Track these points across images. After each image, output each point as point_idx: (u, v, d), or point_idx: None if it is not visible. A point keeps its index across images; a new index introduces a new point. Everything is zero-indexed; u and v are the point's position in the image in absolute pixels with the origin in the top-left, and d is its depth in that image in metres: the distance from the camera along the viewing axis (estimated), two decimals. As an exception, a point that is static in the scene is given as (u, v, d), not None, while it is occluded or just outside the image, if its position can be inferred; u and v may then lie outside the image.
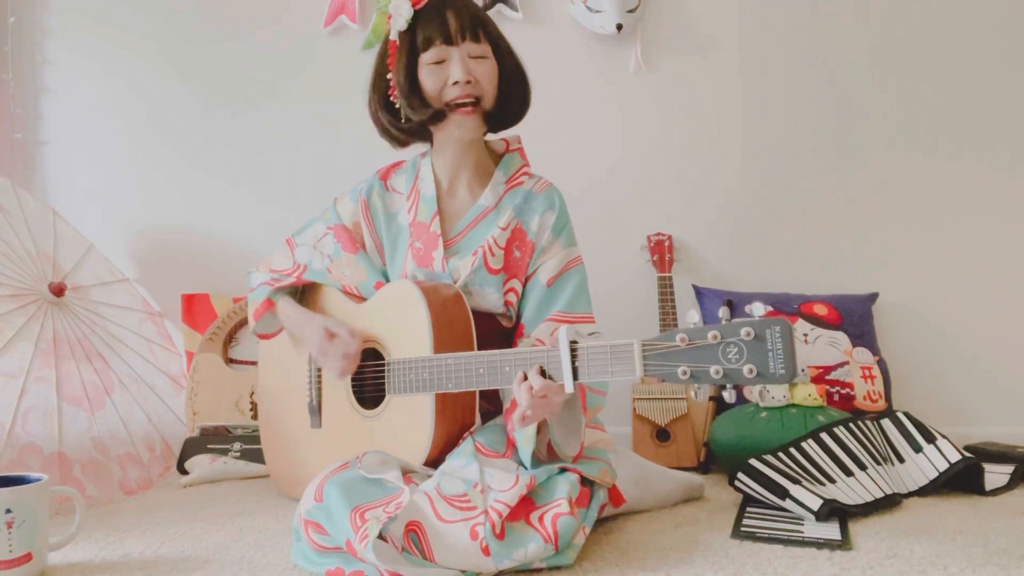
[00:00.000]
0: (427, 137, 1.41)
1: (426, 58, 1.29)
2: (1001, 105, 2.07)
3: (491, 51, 1.32)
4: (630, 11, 2.09)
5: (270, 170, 2.23)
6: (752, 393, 1.74)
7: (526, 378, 1.09)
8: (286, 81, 2.23)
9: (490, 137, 1.43)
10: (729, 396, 0.98)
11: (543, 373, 1.08)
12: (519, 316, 1.36)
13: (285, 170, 2.23)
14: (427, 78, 1.30)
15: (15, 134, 2.23)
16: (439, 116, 1.32)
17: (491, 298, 1.34)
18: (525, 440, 1.14)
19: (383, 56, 1.36)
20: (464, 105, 1.30)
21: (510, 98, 1.35)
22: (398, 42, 1.31)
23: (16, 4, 2.24)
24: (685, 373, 0.97)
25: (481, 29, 1.30)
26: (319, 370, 1.43)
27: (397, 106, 1.34)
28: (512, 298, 1.35)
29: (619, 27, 2.09)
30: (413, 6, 1.30)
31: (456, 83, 1.28)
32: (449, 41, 1.28)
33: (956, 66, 2.09)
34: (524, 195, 1.38)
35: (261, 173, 2.23)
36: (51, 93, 2.27)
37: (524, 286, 1.36)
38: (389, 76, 1.33)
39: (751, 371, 0.93)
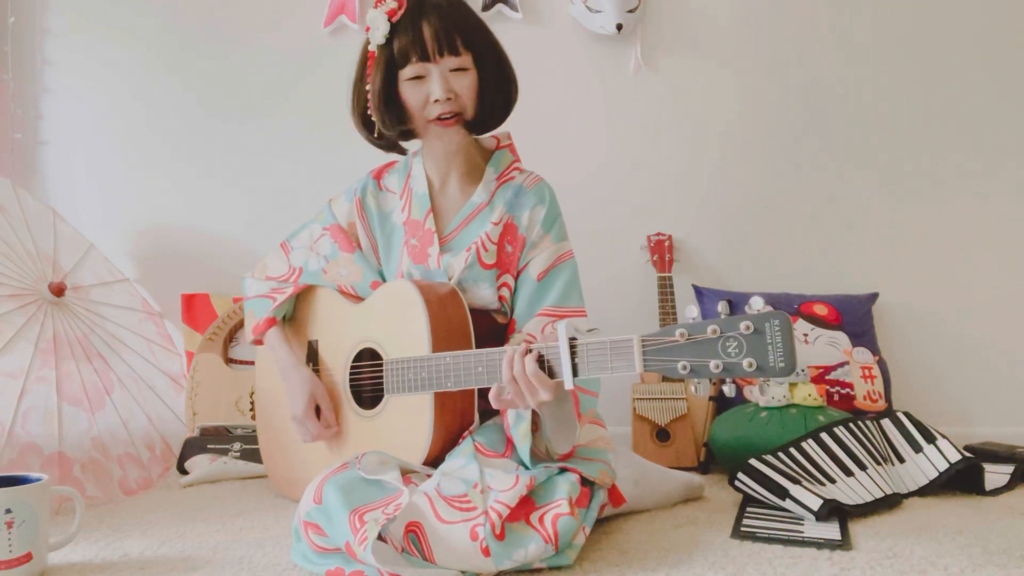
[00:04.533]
0: (402, 149, 1.42)
1: (405, 74, 1.28)
2: (1001, 106, 2.07)
3: (472, 61, 1.28)
4: (630, 11, 2.09)
5: (270, 170, 2.23)
6: (752, 392, 1.74)
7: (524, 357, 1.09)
8: (286, 82, 2.23)
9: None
10: (729, 390, 0.98)
11: (541, 360, 1.08)
12: (511, 311, 1.36)
13: (285, 170, 2.23)
14: (408, 93, 1.29)
15: (15, 134, 2.23)
16: (409, 135, 1.36)
17: (485, 294, 1.34)
18: (522, 437, 1.14)
19: (361, 66, 1.34)
20: (445, 118, 1.29)
21: (492, 106, 1.32)
22: (376, 54, 1.29)
23: (16, 4, 2.24)
24: (685, 368, 0.97)
25: (460, 39, 1.26)
26: (316, 369, 1.43)
27: (373, 119, 1.34)
28: (506, 293, 1.35)
29: (619, 27, 2.09)
30: (390, 19, 1.26)
31: (437, 101, 1.27)
32: (427, 58, 1.26)
33: (957, 66, 2.09)
34: (515, 190, 1.37)
35: (261, 173, 2.23)
36: (51, 93, 2.27)
37: (515, 281, 1.35)
38: (368, 87, 1.32)
39: (751, 364, 0.93)
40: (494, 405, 1.13)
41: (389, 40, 1.27)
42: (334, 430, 1.38)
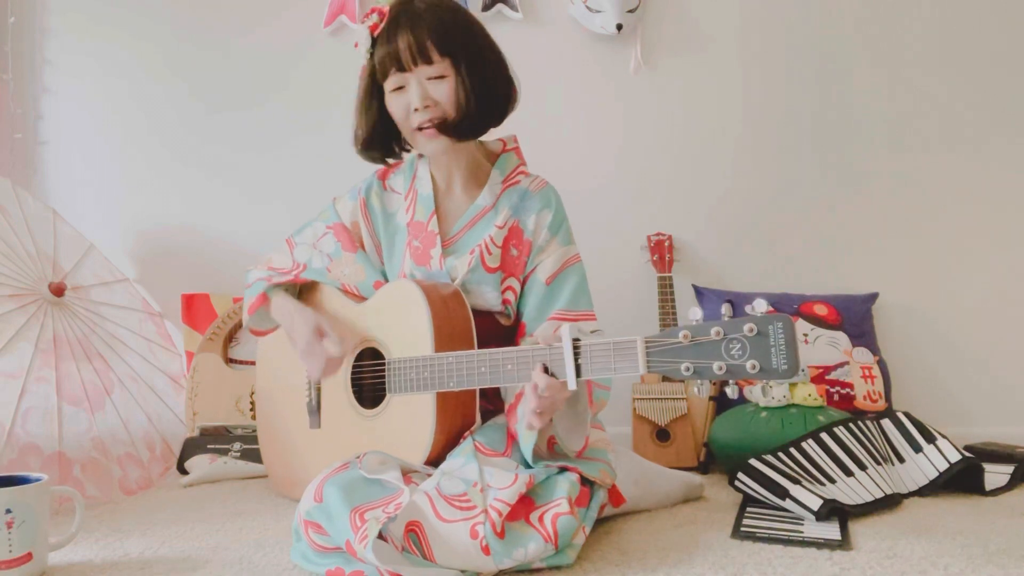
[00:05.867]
0: (386, 160, 1.43)
1: (387, 86, 1.30)
2: (1001, 107, 2.08)
3: (450, 67, 1.27)
4: (630, 11, 2.09)
5: (271, 170, 2.23)
6: (752, 393, 1.74)
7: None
8: (287, 81, 2.23)
9: (485, 137, 1.42)
10: (732, 392, 0.98)
11: (546, 370, 1.09)
12: (519, 316, 1.36)
13: (286, 170, 2.23)
14: (392, 105, 1.31)
15: (15, 134, 2.23)
16: (387, 157, 1.40)
17: (488, 297, 1.34)
18: (527, 434, 1.14)
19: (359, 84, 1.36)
20: (425, 127, 1.29)
21: (474, 110, 1.29)
22: (365, 68, 1.32)
23: (16, 4, 2.24)
24: (688, 369, 0.97)
25: (435, 47, 1.25)
26: None
27: (355, 131, 1.36)
28: (510, 296, 1.35)
29: (619, 27, 2.09)
30: (371, 33, 1.28)
31: (416, 110, 1.28)
32: (402, 68, 1.26)
33: (954, 66, 2.09)
34: (520, 194, 1.37)
35: (262, 173, 2.23)
36: (51, 93, 2.27)
37: (523, 285, 1.35)
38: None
39: (754, 367, 0.93)
40: (526, 428, 1.13)
41: (372, 54, 1.29)
42: (344, 348, 1.27)
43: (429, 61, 1.26)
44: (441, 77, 1.27)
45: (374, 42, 1.29)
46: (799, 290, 2.05)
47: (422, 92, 1.27)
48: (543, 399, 1.07)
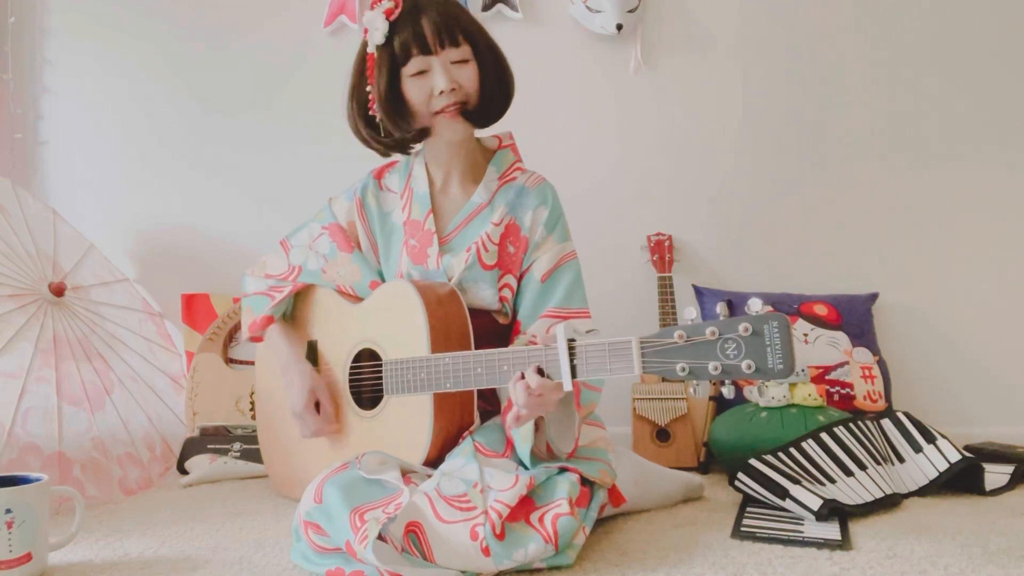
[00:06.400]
0: (408, 149, 1.42)
1: (407, 70, 1.28)
2: (1001, 106, 2.07)
3: (471, 52, 1.30)
4: (630, 11, 2.09)
5: (271, 169, 2.23)
6: (752, 392, 1.74)
7: (523, 377, 1.09)
8: (286, 81, 2.23)
9: (481, 134, 1.43)
10: (728, 392, 0.98)
11: (541, 372, 1.08)
12: (515, 313, 1.36)
13: (285, 170, 2.23)
14: (411, 90, 1.29)
15: (15, 134, 2.23)
16: (422, 134, 1.35)
17: (485, 294, 1.34)
18: (522, 438, 1.14)
19: (360, 70, 1.34)
20: (450, 110, 1.30)
21: (493, 95, 1.33)
22: (376, 55, 1.30)
23: (16, 4, 2.24)
24: (684, 369, 0.97)
25: (459, 31, 1.28)
26: (316, 370, 1.43)
27: (377, 120, 1.34)
28: (507, 294, 1.35)
29: (619, 27, 2.09)
30: (387, 18, 1.28)
31: (442, 93, 1.28)
32: (428, 51, 1.27)
33: (954, 67, 2.09)
34: (517, 191, 1.37)
35: (262, 172, 2.23)
36: (51, 93, 2.27)
37: (519, 282, 1.35)
38: (368, 89, 1.32)
39: (749, 366, 0.93)
40: (511, 425, 1.14)
41: (389, 39, 1.28)
42: (334, 427, 1.37)
43: (456, 43, 1.27)
44: (465, 61, 1.29)
45: (391, 27, 1.28)
46: (799, 290, 2.05)
47: (448, 75, 1.27)
48: (534, 398, 1.07)
